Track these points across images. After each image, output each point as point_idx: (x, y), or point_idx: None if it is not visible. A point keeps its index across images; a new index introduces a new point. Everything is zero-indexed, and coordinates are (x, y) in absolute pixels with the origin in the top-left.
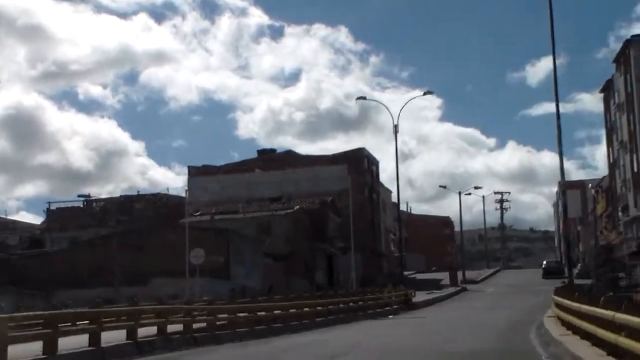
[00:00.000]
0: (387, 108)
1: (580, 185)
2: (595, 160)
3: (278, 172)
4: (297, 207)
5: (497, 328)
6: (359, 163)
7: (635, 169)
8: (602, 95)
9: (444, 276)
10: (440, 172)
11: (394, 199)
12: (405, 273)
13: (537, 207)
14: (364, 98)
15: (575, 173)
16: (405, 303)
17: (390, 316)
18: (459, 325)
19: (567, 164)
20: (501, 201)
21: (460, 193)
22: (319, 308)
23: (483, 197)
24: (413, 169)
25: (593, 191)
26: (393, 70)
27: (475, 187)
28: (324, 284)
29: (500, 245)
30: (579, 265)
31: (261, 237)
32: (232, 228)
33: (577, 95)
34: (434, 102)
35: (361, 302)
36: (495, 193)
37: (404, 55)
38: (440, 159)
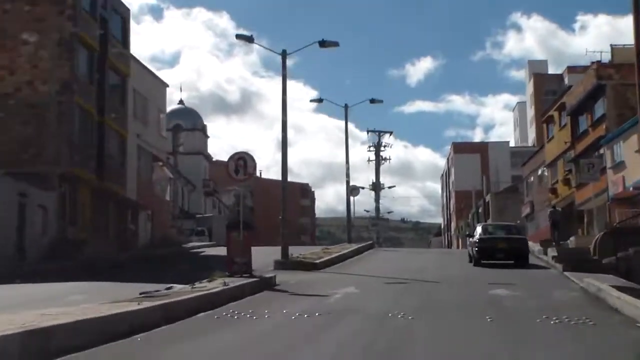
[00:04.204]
0: None
1: (483, 148)
2: None
3: None
4: None
5: None
6: None
7: None
8: None
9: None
10: (317, 161)
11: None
12: (196, 244)
13: (409, 200)
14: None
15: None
16: None
17: None
18: None
19: (440, 161)
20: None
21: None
22: None
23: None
24: (291, 158)
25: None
26: (277, 59)
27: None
28: None
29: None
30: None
31: None
32: None
33: (448, 97)
34: (310, 94)
35: None
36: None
37: (287, 44)
38: (318, 148)
